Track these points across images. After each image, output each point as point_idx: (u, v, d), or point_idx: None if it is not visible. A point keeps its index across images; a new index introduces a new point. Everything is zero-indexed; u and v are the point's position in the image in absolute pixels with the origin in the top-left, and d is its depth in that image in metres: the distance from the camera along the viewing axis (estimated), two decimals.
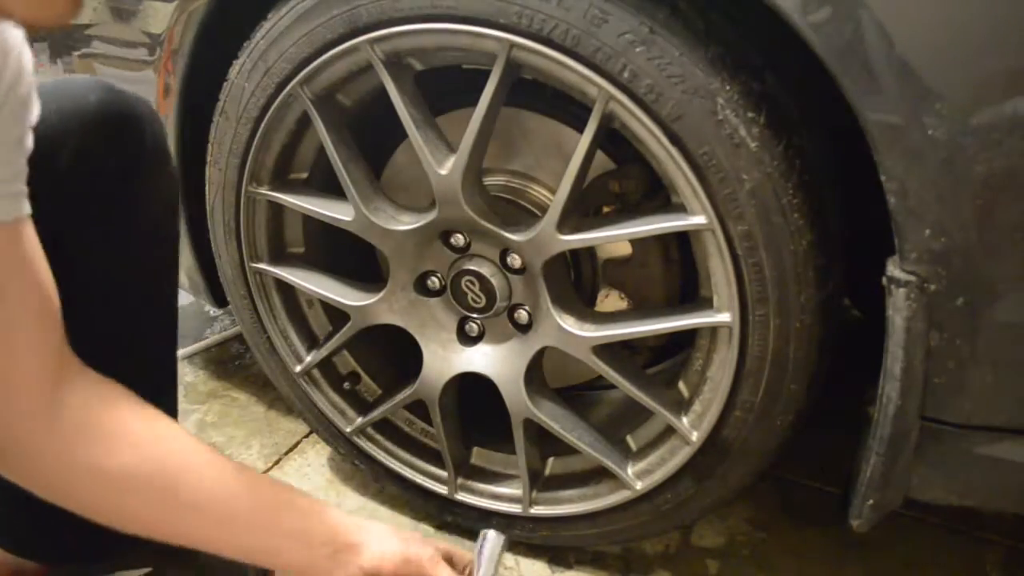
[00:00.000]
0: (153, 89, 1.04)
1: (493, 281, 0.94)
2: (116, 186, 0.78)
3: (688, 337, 0.92)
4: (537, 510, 1.04)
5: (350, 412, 1.13)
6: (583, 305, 0.98)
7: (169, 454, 0.68)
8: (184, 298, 1.83)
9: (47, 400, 0.61)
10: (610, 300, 1.04)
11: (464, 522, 1.12)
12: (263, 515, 0.72)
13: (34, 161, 0.69)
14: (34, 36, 1.19)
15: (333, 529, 0.76)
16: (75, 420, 0.63)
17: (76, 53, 1.13)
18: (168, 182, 0.84)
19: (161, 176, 0.83)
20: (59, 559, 0.96)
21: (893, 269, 0.68)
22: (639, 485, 0.95)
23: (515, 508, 1.06)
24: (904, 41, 0.61)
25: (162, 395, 0.87)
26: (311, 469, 1.29)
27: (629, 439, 1.00)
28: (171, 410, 1.00)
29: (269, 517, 0.73)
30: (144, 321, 0.87)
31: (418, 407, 1.09)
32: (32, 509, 0.89)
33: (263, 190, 0.99)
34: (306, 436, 1.36)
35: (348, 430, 1.12)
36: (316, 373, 1.12)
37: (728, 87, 0.72)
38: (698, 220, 0.77)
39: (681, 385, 0.93)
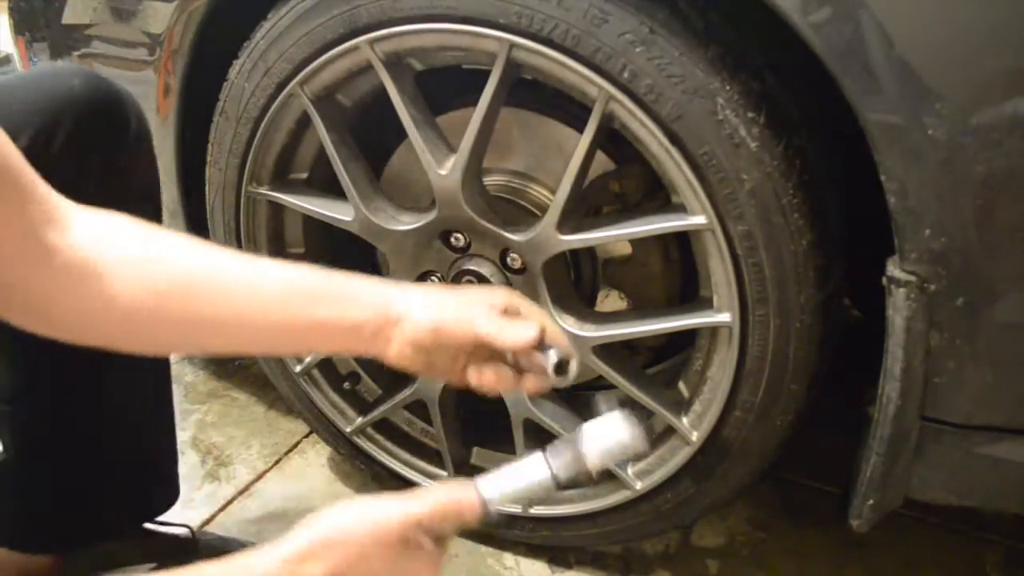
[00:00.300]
0: (153, 89, 1.04)
1: (493, 281, 0.94)
2: (107, 162, 0.80)
3: (688, 337, 0.92)
4: (537, 510, 1.04)
5: (350, 412, 1.13)
6: (583, 305, 0.98)
7: (174, 271, 0.64)
8: None
9: (38, 246, 0.59)
10: (610, 300, 1.04)
11: None
12: (293, 315, 0.67)
13: (29, 147, 0.70)
14: (34, 36, 1.19)
15: (372, 308, 0.68)
16: (72, 260, 0.61)
17: (76, 53, 1.13)
18: (150, 156, 0.88)
19: (145, 151, 0.86)
20: (62, 548, 0.97)
21: (893, 269, 0.68)
22: (639, 485, 0.95)
23: (515, 508, 1.06)
24: (904, 41, 0.61)
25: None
26: (311, 469, 1.29)
27: None
28: (165, 379, 1.00)
29: (301, 315, 0.67)
30: None
31: (418, 407, 1.09)
32: (32, 503, 0.89)
33: (263, 190, 0.99)
34: (306, 436, 1.36)
35: (348, 430, 1.12)
36: (316, 373, 1.12)
37: (728, 87, 0.72)
38: (698, 220, 0.77)
39: (681, 385, 0.93)
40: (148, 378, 0.97)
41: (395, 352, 0.67)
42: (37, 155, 0.66)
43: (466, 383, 0.72)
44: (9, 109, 0.74)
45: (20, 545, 0.93)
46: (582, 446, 0.67)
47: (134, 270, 0.62)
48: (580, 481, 0.68)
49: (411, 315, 0.67)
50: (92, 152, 0.79)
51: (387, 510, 0.59)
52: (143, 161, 0.87)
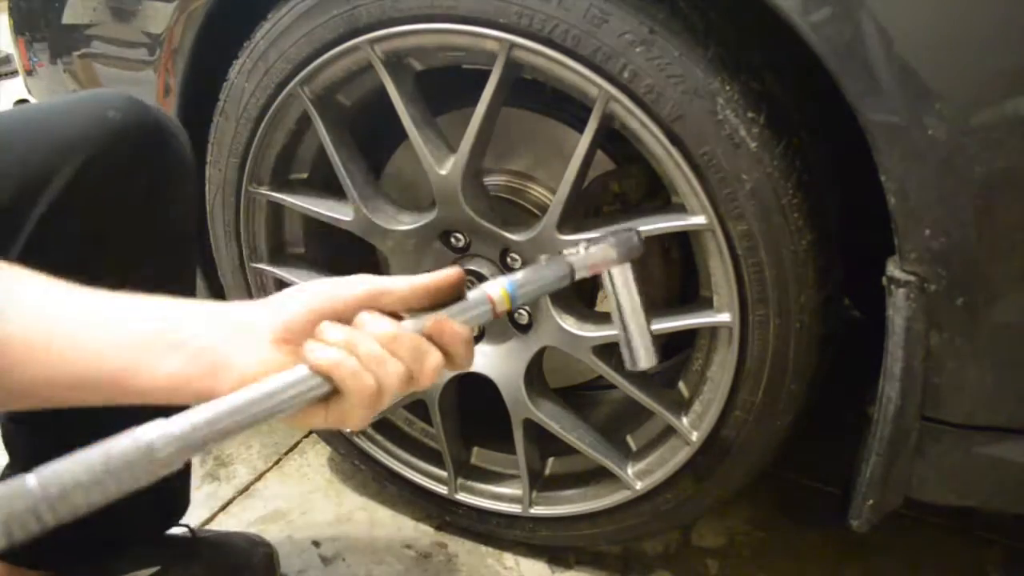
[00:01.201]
0: (153, 89, 1.04)
1: None
2: (143, 199, 0.76)
3: (688, 337, 0.92)
4: (537, 510, 1.04)
5: None
6: (583, 305, 0.98)
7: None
8: None
9: None
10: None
11: (464, 522, 1.12)
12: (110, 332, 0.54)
13: (61, 188, 0.68)
14: (34, 36, 1.19)
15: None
16: None
17: (76, 53, 1.13)
18: (190, 191, 0.84)
19: (185, 185, 0.82)
20: (61, 566, 0.95)
21: (893, 269, 0.68)
22: (639, 485, 0.95)
23: (515, 508, 1.06)
24: (904, 41, 0.61)
25: None
26: (311, 469, 1.29)
27: (629, 439, 1.00)
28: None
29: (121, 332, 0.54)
30: None
31: (418, 407, 1.09)
32: None
33: (263, 190, 0.99)
34: (306, 436, 1.36)
35: (348, 430, 1.12)
36: None
37: (728, 87, 0.72)
38: (698, 220, 0.77)
39: (681, 385, 0.93)
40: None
41: (257, 361, 0.53)
42: (71, 186, 0.65)
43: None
44: (41, 143, 0.71)
45: (23, 560, 0.91)
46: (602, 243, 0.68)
47: None
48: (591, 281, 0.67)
49: (269, 318, 0.56)
50: (128, 187, 0.75)
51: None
52: (182, 199, 0.81)
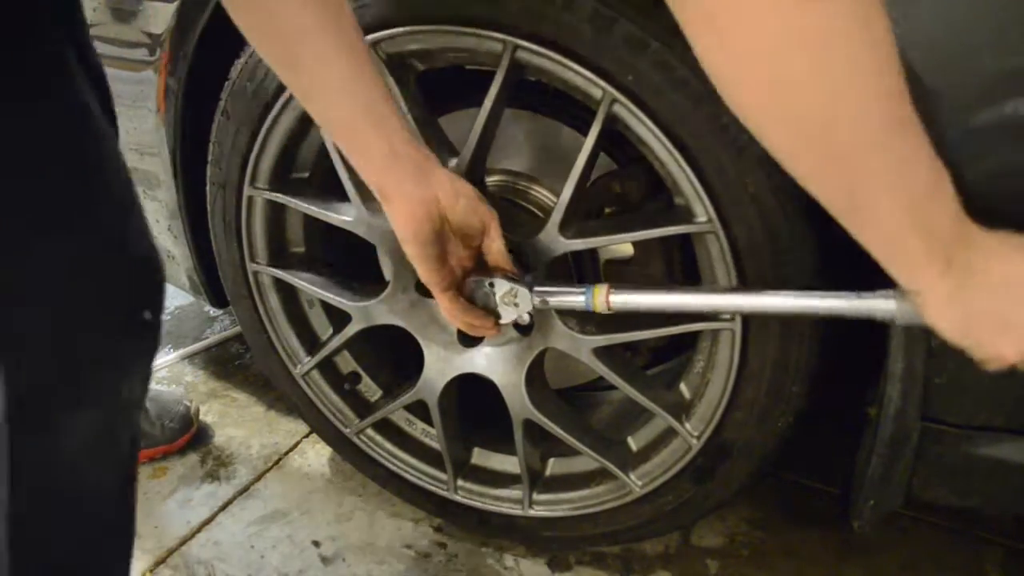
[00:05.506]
0: (153, 89, 1.04)
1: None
2: None
3: (689, 339, 0.92)
4: (537, 511, 1.04)
5: (350, 413, 1.13)
6: None
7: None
8: (184, 298, 1.84)
9: None
10: None
11: (464, 522, 1.12)
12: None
13: None
14: None
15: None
16: None
17: None
18: None
19: None
20: None
21: None
22: (640, 486, 0.95)
23: (515, 509, 1.06)
24: (904, 41, 0.61)
25: None
26: (311, 469, 1.29)
27: (630, 440, 1.00)
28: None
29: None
30: None
31: (418, 407, 1.09)
32: None
33: (264, 190, 0.99)
34: (306, 436, 1.36)
35: (348, 431, 1.12)
36: (316, 374, 1.12)
37: None
38: (700, 222, 0.77)
39: (682, 387, 0.93)
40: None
41: (421, 198, 0.70)
42: None
43: (450, 287, 0.75)
44: None
45: None
46: None
47: None
48: None
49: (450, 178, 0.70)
50: None
51: None
52: None
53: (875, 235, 0.52)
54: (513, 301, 0.78)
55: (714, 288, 0.79)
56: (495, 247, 0.76)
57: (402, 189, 0.70)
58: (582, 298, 0.76)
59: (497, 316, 0.79)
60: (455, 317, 0.78)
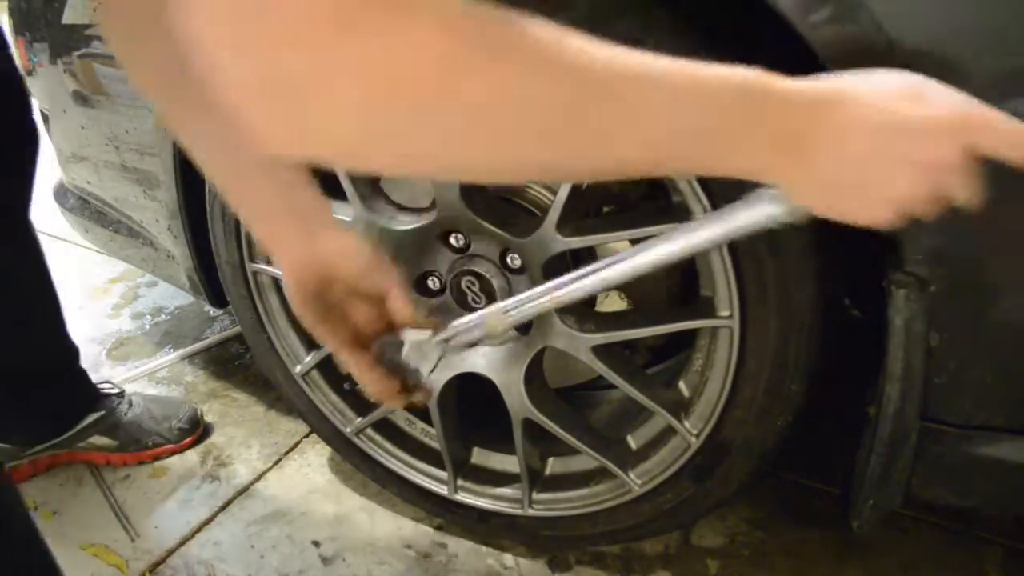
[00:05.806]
0: None
1: (493, 281, 0.94)
2: None
3: (688, 337, 0.92)
4: (537, 510, 1.04)
5: (350, 412, 1.13)
6: (584, 306, 0.98)
7: None
8: (184, 298, 1.84)
9: None
10: (610, 300, 1.04)
11: (464, 522, 1.12)
12: None
13: None
14: (34, 36, 1.19)
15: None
16: None
17: (76, 53, 1.13)
18: None
19: None
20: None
21: (893, 270, 0.68)
22: (639, 485, 0.95)
23: (515, 508, 1.06)
24: (904, 41, 0.61)
25: None
26: (311, 469, 1.29)
27: (629, 439, 1.00)
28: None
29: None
30: None
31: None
32: None
33: None
34: (306, 436, 1.36)
35: (348, 430, 1.13)
36: (316, 374, 1.12)
37: None
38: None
39: (681, 385, 0.93)
40: None
41: (305, 257, 0.66)
42: None
43: (351, 345, 0.69)
44: None
45: None
46: None
47: None
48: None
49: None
50: None
51: None
52: None
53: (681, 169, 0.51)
54: (421, 354, 0.71)
55: (598, 266, 0.70)
56: (400, 311, 0.70)
57: (286, 246, 0.67)
58: (477, 332, 0.71)
59: (408, 378, 0.71)
60: (360, 378, 0.71)
